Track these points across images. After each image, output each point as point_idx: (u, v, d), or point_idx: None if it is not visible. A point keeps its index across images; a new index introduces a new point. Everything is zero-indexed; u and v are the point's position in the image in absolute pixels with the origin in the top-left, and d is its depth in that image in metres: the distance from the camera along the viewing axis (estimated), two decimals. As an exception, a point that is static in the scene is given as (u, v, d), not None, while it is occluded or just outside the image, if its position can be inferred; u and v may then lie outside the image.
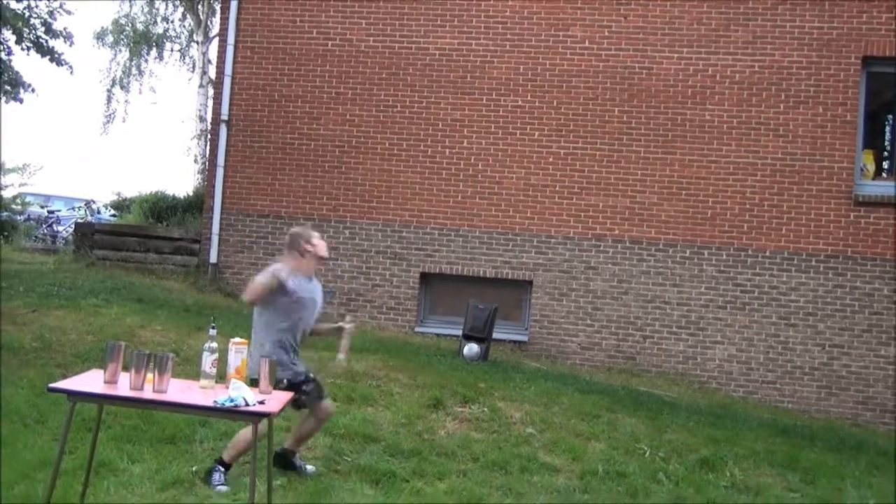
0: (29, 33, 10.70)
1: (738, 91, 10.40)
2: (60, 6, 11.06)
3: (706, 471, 6.33)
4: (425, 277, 10.91)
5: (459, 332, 9.78)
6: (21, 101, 11.11)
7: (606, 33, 10.64)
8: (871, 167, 10.46)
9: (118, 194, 18.58)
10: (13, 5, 10.48)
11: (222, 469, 5.10)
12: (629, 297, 10.43)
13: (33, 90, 11.20)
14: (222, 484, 5.04)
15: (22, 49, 10.74)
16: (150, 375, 4.09)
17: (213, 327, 4.42)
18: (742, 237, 10.32)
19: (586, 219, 10.57)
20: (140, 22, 24.04)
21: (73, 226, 15.47)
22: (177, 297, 10.19)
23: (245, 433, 5.01)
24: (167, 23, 24.59)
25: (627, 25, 10.61)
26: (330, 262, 10.41)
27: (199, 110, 22.31)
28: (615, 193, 10.54)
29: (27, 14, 10.63)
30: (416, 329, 10.75)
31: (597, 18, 10.67)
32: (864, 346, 10.02)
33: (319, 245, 5.32)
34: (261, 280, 5.01)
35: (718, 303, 10.30)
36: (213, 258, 11.18)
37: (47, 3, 11.00)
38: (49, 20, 10.95)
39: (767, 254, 10.26)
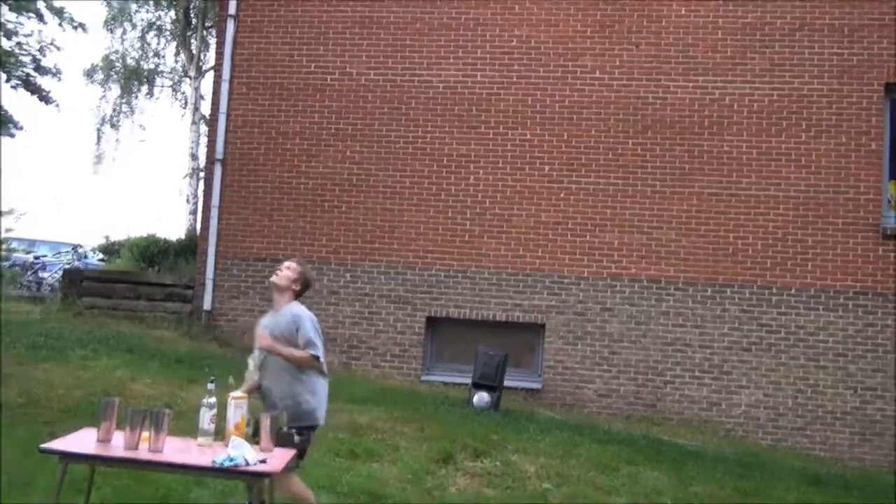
0: (17, 70, 10.88)
1: (756, 121, 10.48)
2: (51, 42, 11.32)
3: (735, 526, 6.29)
4: (431, 322, 10.90)
5: (468, 380, 9.76)
6: (13, 136, 11.31)
7: (618, 63, 10.75)
8: (900, 198, 10.49)
9: (106, 238, 18.65)
10: (4, 43, 10.69)
11: None
12: (648, 340, 10.41)
13: (21, 128, 11.37)
14: None
15: (12, 87, 10.92)
16: (145, 434, 4.09)
17: (211, 381, 4.43)
18: (766, 274, 10.32)
19: (601, 257, 10.59)
20: (131, 58, 24.39)
21: (59, 272, 15.53)
22: (169, 347, 10.20)
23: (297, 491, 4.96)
24: (159, 58, 24.96)
25: (639, 54, 10.73)
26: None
27: (191, 148, 22.51)
28: (630, 230, 10.57)
29: (18, 52, 10.84)
30: (423, 377, 10.72)
31: (607, 48, 10.79)
32: (898, 389, 9.97)
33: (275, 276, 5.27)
34: None
35: (743, 344, 10.27)
36: (206, 305, 11.20)
37: (39, 39, 11.24)
38: (39, 56, 11.16)
39: (793, 291, 10.25)
